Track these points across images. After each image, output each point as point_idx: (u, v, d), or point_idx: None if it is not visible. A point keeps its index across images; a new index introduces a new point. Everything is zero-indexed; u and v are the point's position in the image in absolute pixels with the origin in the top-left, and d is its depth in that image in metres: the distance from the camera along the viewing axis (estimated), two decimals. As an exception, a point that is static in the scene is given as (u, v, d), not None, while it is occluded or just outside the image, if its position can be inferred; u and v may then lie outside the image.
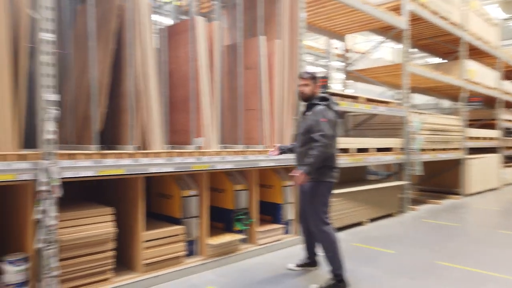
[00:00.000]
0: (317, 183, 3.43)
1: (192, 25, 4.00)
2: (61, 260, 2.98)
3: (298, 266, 3.90)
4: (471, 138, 8.98)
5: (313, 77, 3.59)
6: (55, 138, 2.88)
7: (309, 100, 3.59)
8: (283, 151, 3.91)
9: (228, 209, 4.33)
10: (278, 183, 4.68)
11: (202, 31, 4.03)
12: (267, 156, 4.42)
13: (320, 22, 7.11)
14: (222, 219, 4.41)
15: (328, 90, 4.92)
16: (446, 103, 12.40)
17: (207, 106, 4.05)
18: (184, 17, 5.89)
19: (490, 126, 10.59)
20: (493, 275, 3.77)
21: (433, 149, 7.52)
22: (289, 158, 4.64)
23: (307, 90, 3.58)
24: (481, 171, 9.25)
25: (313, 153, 3.31)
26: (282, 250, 4.54)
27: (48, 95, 2.85)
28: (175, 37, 4.30)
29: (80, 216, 3.14)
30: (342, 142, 5.78)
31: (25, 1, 2.90)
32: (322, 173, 3.43)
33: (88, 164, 3.07)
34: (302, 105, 3.94)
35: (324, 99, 3.54)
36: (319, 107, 3.46)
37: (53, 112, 2.84)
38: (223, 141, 4.83)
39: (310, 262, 3.92)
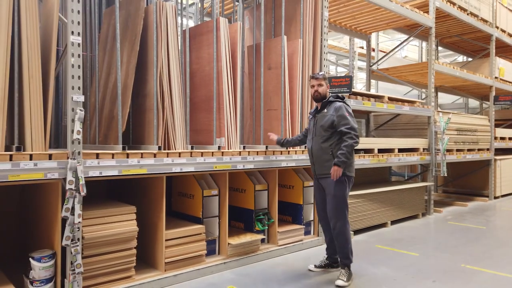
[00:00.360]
0: (346, 177, 3.59)
1: (215, 26, 4.04)
2: (86, 257, 3.07)
3: (318, 267, 3.89)
4: (499, 138, 8.72)
5: (325, 77, 3.76)
6: (81, 138, 2.96)
7: (323, 99, 3.73)
8: (278, 141, 4.15)
9: (248, 209, 4.35)
10: (299, 184, 4.67)
11: (224, 32, 4.06)
12: (288, 157, 4.42)
13: (343, 21, 7.04)
14: (243, 219, 4.44)
15: (352, 90, 4.86)
16: (473, 103, 12.07)
17: (229, 107, 4.07)
18: (207, 19, 5.95)
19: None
20: (520, 281, 3.67)
21: (460, 150, 7.34)
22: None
23: (321, 89, 3.72)
24: (510, 172, 8.96)
25: (344, 145, 3.49)
26: (303, 251, 4.53)
27: (76, 96, 2.93)
28: (198, 38, 4.35)
29: (105, 215, 3.22)
30: (366, 142, 5.72)
31: (56, 5, 2.98)
32: (348, 169, 3.61)
33: (112, 164, 3.14)
34: (315, 106, 3.95)
35: (338, 97, 3.73)
36: (338, 104, 3.64)
37: (80, 112, 2.92)
38: (244, 141, 4.85)
39: (332, 263, 3.90)
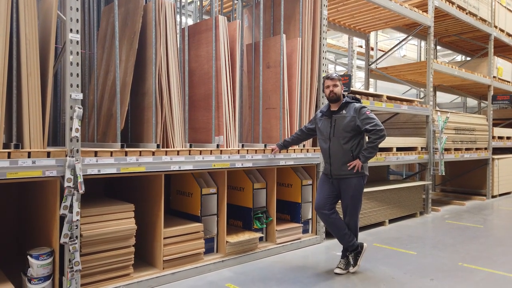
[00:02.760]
0: (363, 177, 3.75)
1: (214, 25, 4.03)
2: (84, 255, 3.07)
3: (344, 269, 3.79)
4: (497, 137, 8.74)
5: (339, 78, 3.81)
6: (80, 136, 2.95)
7: (338, 100, 3.76)
8: (281, 147, 4.25)
9: (247, 207, 4.36)
10: (297, 182, 4.67)
11: (223, 31, 4.05)
12: (287, 155, 4.42)
13: (342, 19, 7.04)
14: (241, 217, 4.44)
15: (351, 89, 4.87)
16: (471, 102, 12.09)
17: (228, 105, 4.07)
18: (206, 17, 5.94)
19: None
20: (517, 280, 3.68)
21: (458, 149, 7.36)
22: (309, 157, 4.63)
23: (336, 90, 3.74)
24: (508, 171, 8.99)
25: (371, 141, 3.61)
26: (301, 249, 4.54)
27: (74, 94, 2.93)
28: (196, 36, 4.34)
29: (103, 212, 3.21)
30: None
31: (54, 2, 2.97)
32: (365, 168, 3.75)
33: (111, 162, 3.14)
34: (325, 105, 3.96)
35: (355, 98, 3.81)
36: (357, 105, 3.72)
37: (78, 110, 2.92)
38: (243, 139, 4.86)
39: (347, 256, 3.85)
